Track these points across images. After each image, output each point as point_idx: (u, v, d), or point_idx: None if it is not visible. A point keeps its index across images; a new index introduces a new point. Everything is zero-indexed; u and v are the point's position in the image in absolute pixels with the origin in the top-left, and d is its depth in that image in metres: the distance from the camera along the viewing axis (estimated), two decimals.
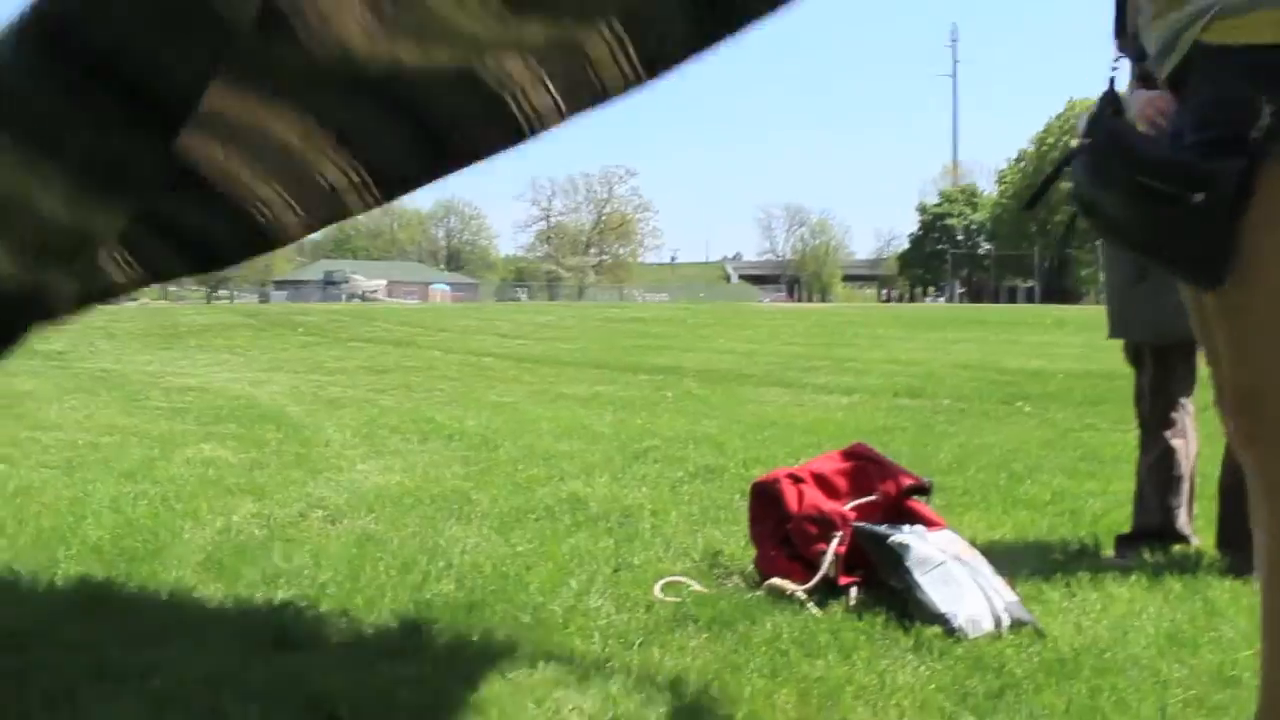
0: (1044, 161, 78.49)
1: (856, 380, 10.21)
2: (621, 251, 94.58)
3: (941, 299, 75.98)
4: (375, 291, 68.41)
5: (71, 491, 4.47)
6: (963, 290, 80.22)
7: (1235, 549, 3.32)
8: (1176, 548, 3.53)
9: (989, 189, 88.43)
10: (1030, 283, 77.13)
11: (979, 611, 2.73)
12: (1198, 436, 3.61)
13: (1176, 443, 3.55)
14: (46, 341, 15.15)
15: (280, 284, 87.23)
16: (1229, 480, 3.40)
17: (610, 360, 12.91)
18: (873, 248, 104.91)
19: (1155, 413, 3.58)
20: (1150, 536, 3.54)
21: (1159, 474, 3.57)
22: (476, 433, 6.29)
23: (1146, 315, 3.45)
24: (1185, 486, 3.56)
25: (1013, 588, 2.93)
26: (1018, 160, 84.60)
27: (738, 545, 3.47)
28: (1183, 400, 3.58)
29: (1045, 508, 4.21)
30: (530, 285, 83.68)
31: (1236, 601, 2.96)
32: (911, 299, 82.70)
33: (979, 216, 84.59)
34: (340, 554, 3.42)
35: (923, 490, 3.23)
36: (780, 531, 3.09)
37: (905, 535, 2.92)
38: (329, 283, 74.38)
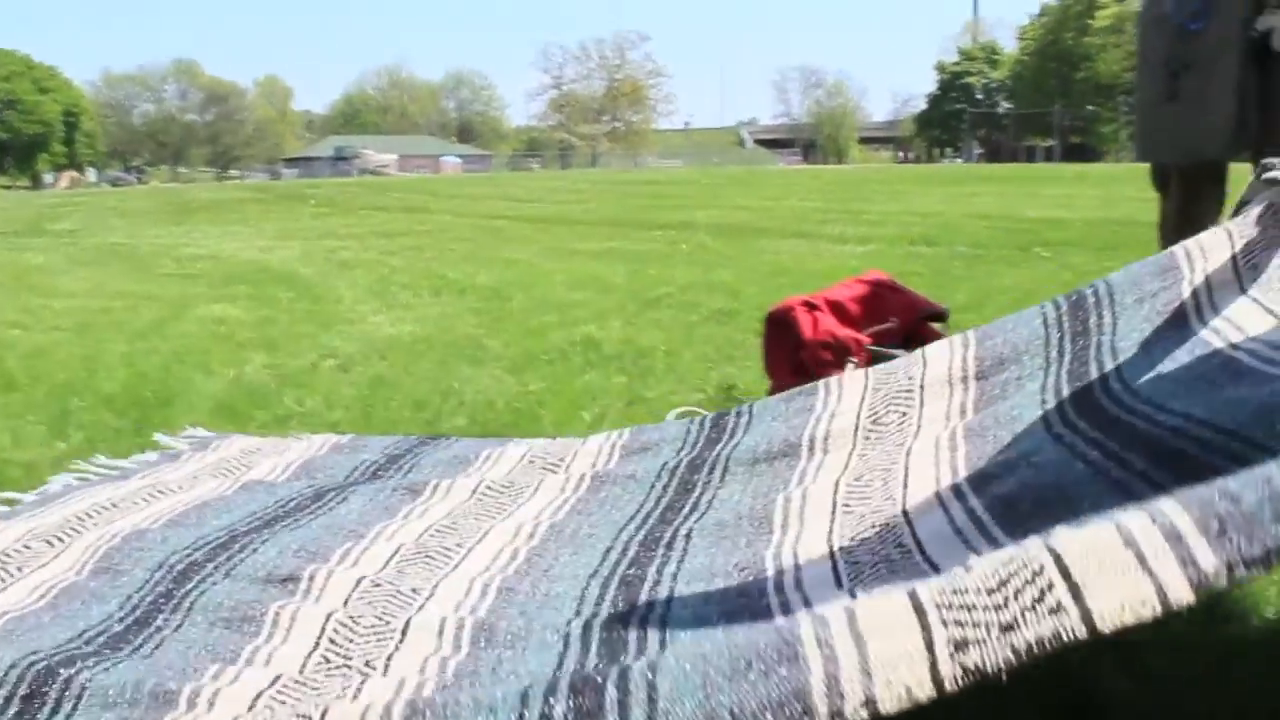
0: (1067, 14, 76.66)
1: (872, 230, 10.09)
2: (635, 118, 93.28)
3: (959, 160, 74.94)
4: (386, 166, 67.84)
5: (84, 350, 4.46)
6: (981, 151, 79.10)
7: None
8: None
9: (1010, 45, 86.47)
10: (1050, 142, 75.84)
11: None
12: None
13: None
14: (55, 221, 15.12)
15: (290, 161, 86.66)
16: None
17: (624, 218, 12.78)
18: (890, 109, 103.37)
19: (1180, 239, 3.49)
20: None
21: None
22: (489, 286, 6.24)
23: (1174, 135, 3.34)
24: None
25: None
26: (1040, 15, 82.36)
27: (753, 379, 3.44)
28: (1208, 226, 3.48)
29: None
30: (543, 155, 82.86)
31: None
32: (929, 160, 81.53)
33: (998, 75, 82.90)
34: (353, 396, 3.40)
35: (939, 316, 3.18)
36: (795, 359, 3.04)
37: None
38: (339, 159, 73.86)
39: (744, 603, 1.61)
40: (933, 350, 2.39)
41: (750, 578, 1.76)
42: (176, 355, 4.27)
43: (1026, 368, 2.19)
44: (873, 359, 2.93)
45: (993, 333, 2.37)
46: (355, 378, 3.72)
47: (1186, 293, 2.05)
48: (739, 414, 2.55)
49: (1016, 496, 1.63)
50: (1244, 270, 1.99)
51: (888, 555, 1.68)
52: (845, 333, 3.00)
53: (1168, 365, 1.77)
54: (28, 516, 2.28)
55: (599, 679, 1.14)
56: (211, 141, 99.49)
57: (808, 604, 1.53)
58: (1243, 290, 1.90)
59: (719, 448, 2.37)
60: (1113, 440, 1.63)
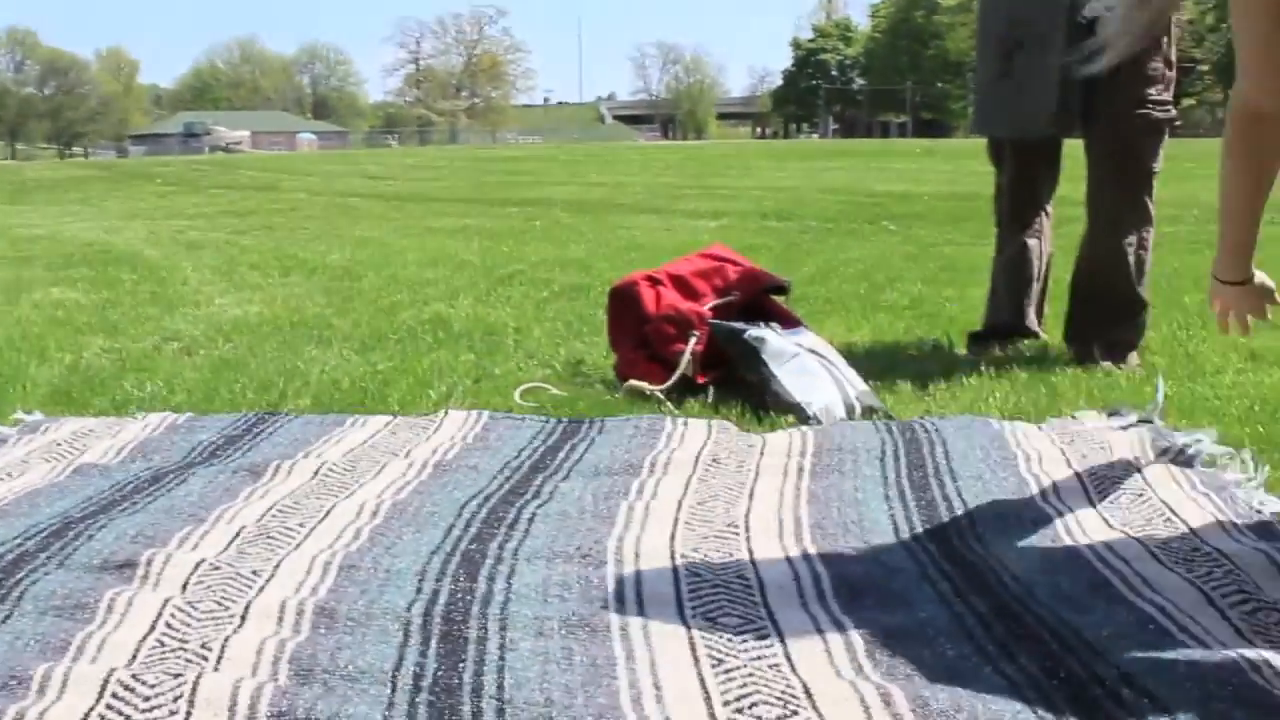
0: None
1: (725, 205, 10.22)
2: (493, 94, 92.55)
3: (815, 135, 76.12)
4: (239, 143, 65.98)
5: None
6: (836, 127, 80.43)
7: (1080, 341, 3.44)
8: (1026, 343, 3.64)
9: (863, 23, 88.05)
10: (903, 118, 77.49)
11: (832, 399, 2.79)
12: (1053, 240, 3.69)
13: (1031, 242, 3.62)
14: None
15: (137, 138, 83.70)
16: (1080, 280, 3.50)
17: (480, 195, 12.70)
18: (747, 85, 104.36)
19: (1013, 211, 3.63)
20: (1000, 332, 3.64)
21: (1011, 271, 3.65)
22: (340, 265, 6.16)
23: (1009, 111, 3.48)
24: (1036, 286, 3.65)
25: (866, 380, 3.00)
26: None
27: (600, 355, 3.48)
28: (1044, 202, 3.63)
29: (903, 312, 4.29)
30: (401, 131, 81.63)
31: (1077, 386, 3.07)
32: (786, 136, 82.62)
33: (853, 51, 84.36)
34: (195, 379, 3.34)
35: (780, 289, 3.26)
36: (639, 334, 3.09)
37: (761, 330, 2.95)
38: (189, 135, 71.62)
39: (585, 614, 1.63)
40: (773, 435, 2.60)
41: (591, 567, 1.80)
42: (9, 341, 4.12)
43: (863, 457, 2.39)
44: (714, 332, 3.00)
45: (832, 431, 2.59)
46: (199, 361, 3.65)
47: (1024, 470, 2.30)
48: (589, 425, 2.63)
49: (863, 587, 1.73)
50: (1081, 474, 2.27)
51: (728, 582, 1.75)
52: (687, 306, 3.06)
53: (1016, 533, 1.96)
54: None
55: None
56: (52, 117, 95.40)
57: (646, 632, 1.57)
58: (1087, 495, 2.15)
59: (561, 456, 2.44)
60: (960, 578, 1.77)
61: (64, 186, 17.81)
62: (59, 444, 2.65)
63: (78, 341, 4.07)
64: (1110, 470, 2.26)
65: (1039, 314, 3.69)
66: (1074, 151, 3.54)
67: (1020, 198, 3.61)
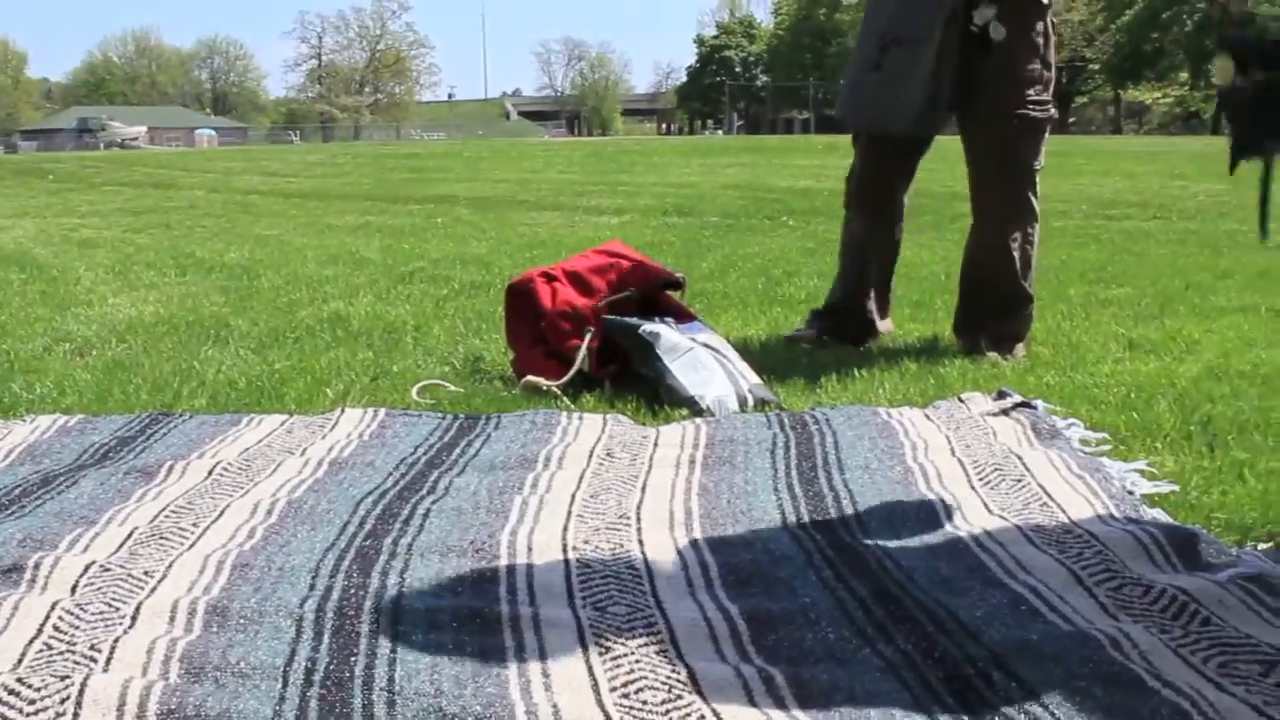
0: None
1: (628, 202, 10.28)
2: (397, 90, 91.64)
3: (720, 131, 76.55)
4: (135, 139, 64.49)
5: None
6: (741, 123, 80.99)
7: (968, 334, 3.54)
8: (919, 334, 3.75)
9: (766, 20, 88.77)
10: (806, 114, 78.20)
11: (725, 393, 2.84)
12: (903, 229, 3.78)
13: (874, 225, 3.71)
14: None
15: (28, 133, 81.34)
16: (967, 275, 3.60)
17: (382, 193, 12.59)
18: (652, 81, 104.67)
19: (861, 195, 3.72)
20: (837, 312, 3.71)
21: (853, 253, 3.74)
22: (238, 264, 6.08)
23: (872, 105, 3.57)
24: (874, 270, 3.73)
25: (760, 373, 3.06)
26: None
27: (499, 352, 3.50)
28: (896, 192, 3.71)
29: (799, 305, 4.36)
30: (303, 128, 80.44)
31: (964, 377, 3.16)
32: (691, 132, 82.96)
33: (756, 49, 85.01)
34: (87, 381, 3.29)
35: (676, 285, 3.31)
36: (535, 330, 3.12)
37: (656, 325, 2.99)
38: (84, 130, 69.86)
39: (477, 606, 1.66)
40: (667, 427, 2.65)
41: (484, 561, 1.83)
42: None
43: (754, 450, 2.45)
44: (609, 328, 3.04)
45: (724, 424, 2.65)
46: (91, 362, 3.60)
47: (910, 459, 2.37)
48: (486, 420, 2.66)
49: (749, 574, 1.79)
50: (964, 461, 2.35)
51: (618, 573, 1.79)
52: (583, 302, 3.09)
53: (899, 520, 2.03)
54: None
55: None
56: None
57: (537, 623, 1.60)
58: (969, 482, 2.23)
59: (457, 452, 2.46)
60: (844, 565, 1.83)
61: None
62: None
63: None
64: (991, 456, 2.35)
65: (881, 300, 3.77)
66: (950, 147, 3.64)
67: (871, 184, 3.70)
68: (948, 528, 1.98)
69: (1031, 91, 3.38)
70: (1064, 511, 2.03)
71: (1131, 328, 3.87)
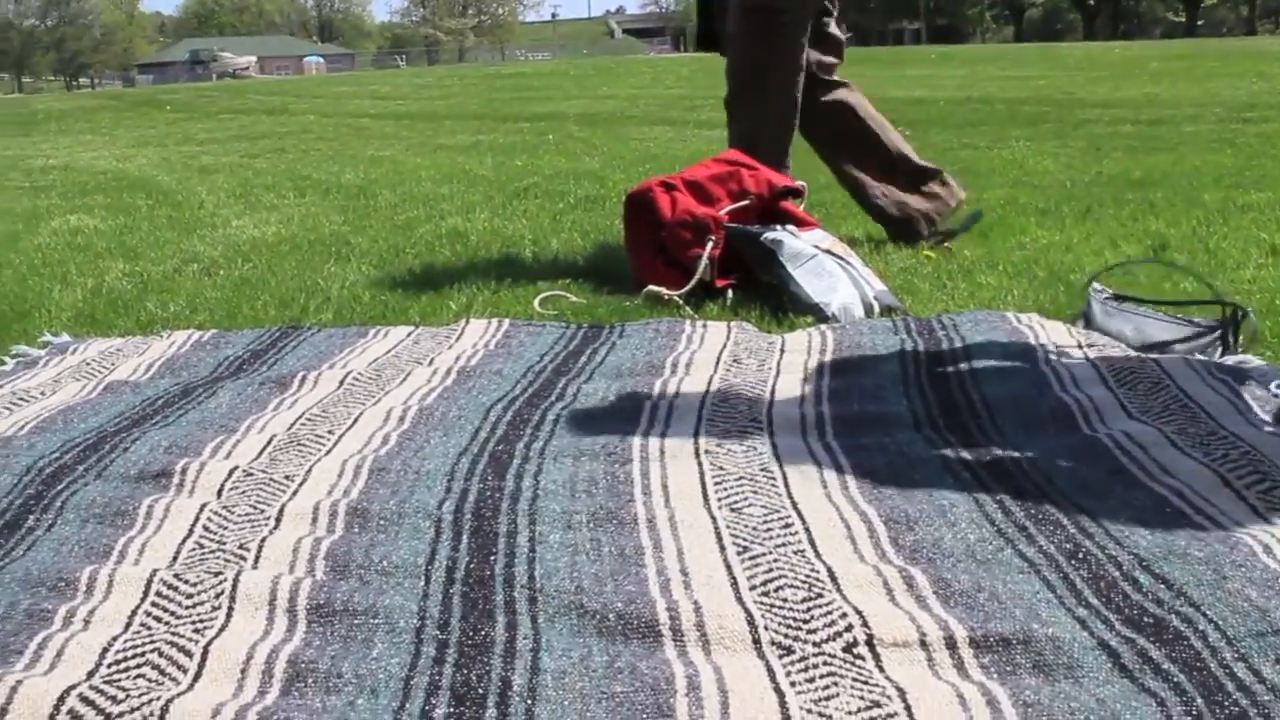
0: None
1: None
2: (501, 11, 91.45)
3: None
4: (246, 68, 65.52)
5: None
6: (849, 34, 79.21)
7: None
8: (1046, 240, 3.64)
9: None
10: (917, 24, 76.32)
11: (850, 299, 2.80)
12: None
13: None
14: None
15: (144, 67, 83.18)
16: None
17: (491, 112, 12.61)
18: None
19: None
20: None
21: None
22: (354, 184, 6.15)
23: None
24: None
25: (884, 280, 3.00)
26: None
27: (617, 263, 3.49)
28: None
29: None
30: (408, 52, 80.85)
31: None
32: None
33: None
34: (217, 299, 3.37)
35: (796, 193, 3.25)
36: (655, 239, 3.10)
37: (778, 233, 2.95)
38: (196, 62, 71.19)
39: (612, 507, 1.66)
40: (792, 334, 2.62)
41: (616, 464, 1.84)
42: (32, 268, 4.15)
43: (882, 355, 2.41)
44: (731, 236, 3.01)
45: (850, 330, 2.60)
46: (219, 281, 3.68)
47: (1042, 363, 2.30)
48: (610, 330, 2.66)
49: (885, 477, 1.76)
50: (1098, 364, 2.27)
51: (752, 475, 1.78)
52: (703, 211, 3.06)
53: (1035, 423, 1.98)
54: None
55: (481, 692, 1.22)
56: (56, 48, 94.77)
57: (673, 523, 1.60)
58: (1105, 384, 2.15)
59: (583, 360, 2.46)
60: (980, 467, 1.79)
61: (73, 117, 17.73)
62: (88, 363, 2.69)
63: (98, 266, 4.10)
64: (1127, 361, 2.28)
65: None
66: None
67: None
68: (1085, 430, 1.93)
69: None
70: (1207, 414, 1.96)
71: (1274, 233, 3.71)
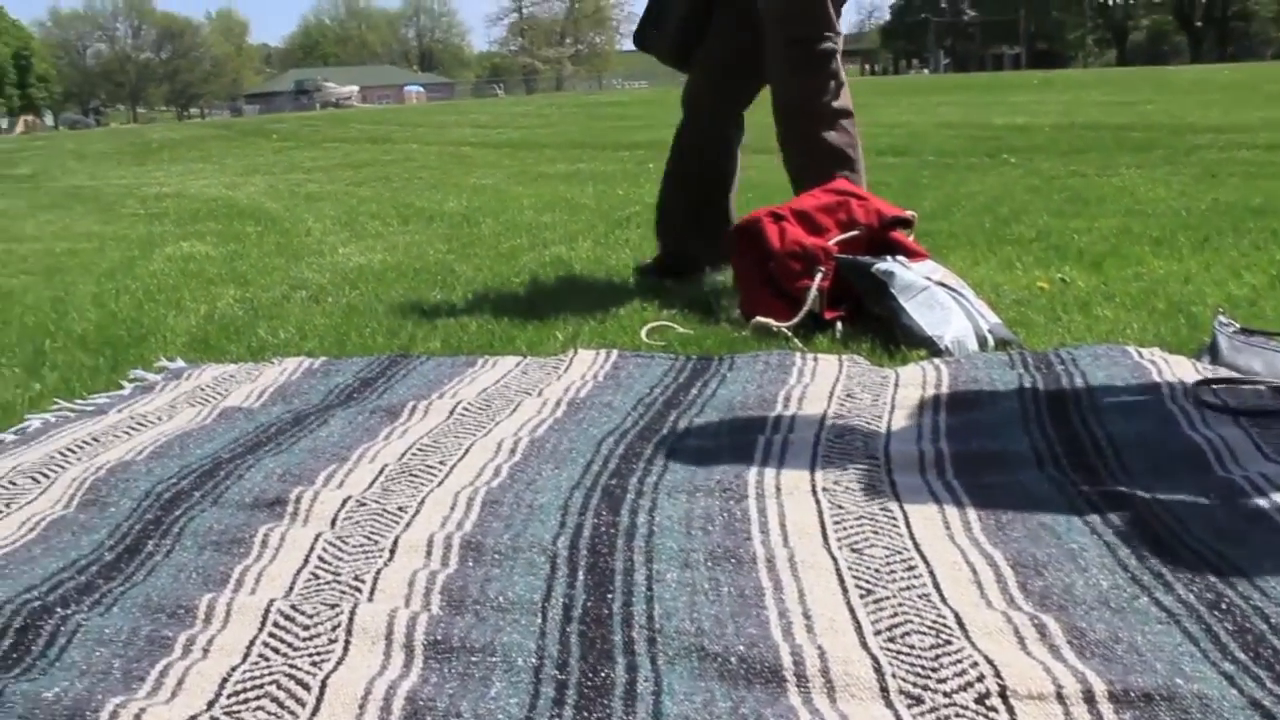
0: None
1: None
2: (597, 40, 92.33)
3: (926, 71, 74.46)
4: (349, 98, 66.95)
5: (53, 293, 4.44)
6: (947, 61, 78.62)
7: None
8: (1163, 270, 3.54)
9: None
10: (1017, 49, 75.42)
11: (964, 332, 2.73)
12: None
13: None
14: (13, 166, 14.90)
15: (251, 97, 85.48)
16: None
17: (590, 140, 12.69)
18: (853, 21, 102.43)
19: None
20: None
21: None
22: (457, 213, 6.22)
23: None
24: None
25: (997, 312, 2.93)
26: None
27: (724, 293, 3.46)
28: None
29: (1030, 244, 4.18)
30: (506, 81, 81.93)
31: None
32: (895, 72, 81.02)
33: None
34: (326, 325, 3.41)
35: (905, 223, 3.20)
36: (763, 270, 3.07)
37: (889, 264, 2.90)
38: (301, 92, 72.92)
39: (729, 545, 1.63)
40: (905, 368, 2.55)
41: (732, 500, 1.80)
42: (147, 293, 4.26)
43: (1000, 390, 2.34)
44: (841, 267, 2.96)
45: (965, 364, 2.53)
46: (328, 307, 3.72)
47: (1168, 401, 2.21)
48: (719, 362, 2.63)
49: (1009, 518, 1.70)
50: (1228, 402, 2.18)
51: (872, 514, 1.74)
52: (812, 241, 3.02)
53: (1165, 465, 1.90)
54: (9, 454, 2.30)
55: (606, 706, 1.23)
56: (169, 80, 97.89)
57: (793, 563, 1.57)
58: (1238, 424, 2.06)
59: (693, 393, 2.43)
60: (1110, 510, 1.71)
61: (185, 146, 18.23)
62: (202, 389, 2.73)
63: (210, 292, 4.19)
64: (1261, 399, 2.19)
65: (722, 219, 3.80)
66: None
67: None
68: (1219, 472, 1.85)
69: (797, 28, 3.41)
70: None
71: None
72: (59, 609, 1.54)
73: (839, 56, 3.48)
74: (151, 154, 16.38)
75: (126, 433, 2.39)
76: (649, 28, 3.74)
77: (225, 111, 77.49)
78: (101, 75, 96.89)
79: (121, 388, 2.89)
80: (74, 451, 2.27)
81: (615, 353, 2.77)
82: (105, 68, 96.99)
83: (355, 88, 71.48)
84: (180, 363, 3.05)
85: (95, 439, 2.35)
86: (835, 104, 3.43)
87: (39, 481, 2.09)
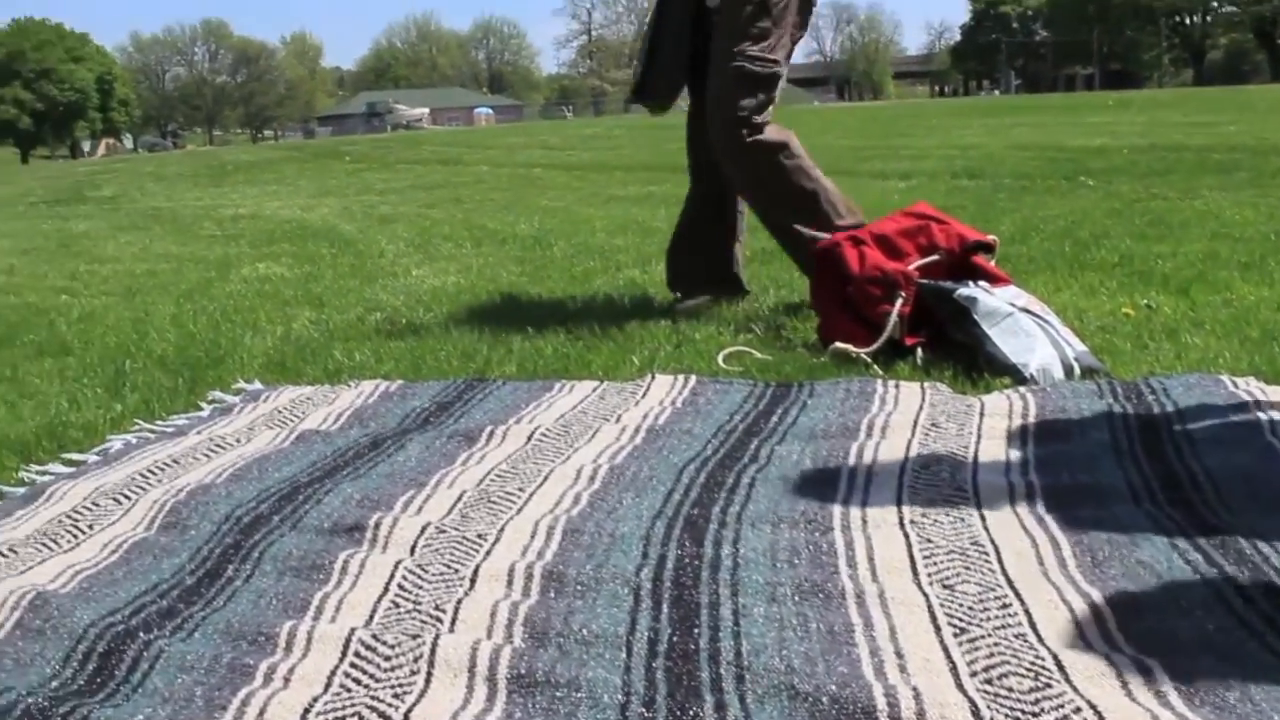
0: None
1: (913, 165, 9.96)
2: None
3: (997, 91, 73.79)
4: (419, 120, 67.78)
5: (133, 314, 4.50)
6: (1019, 82, 77.88)
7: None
8: (1253, 296, 3.44)
9: None
10: (1090, 69, 74.54)
11: (1050, 360, 2.67)
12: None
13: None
14: (95, 188, 15.23)
15: (324, 120, 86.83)
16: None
17: (661, 162, 12.67)
18: (924, 42, 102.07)
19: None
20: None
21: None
22: (529, 235, 6.23)
23: (642, 78, 3.73)
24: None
25: (1082, 339, 2.86)
26: None
27: (801, 318, 3.42)
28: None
29: (1113, 269, 4.09)
30: (575, 103, 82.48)
31: None
32: (966, 93, 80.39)
33: (1034, 2, 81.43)
34: (401, 348, 3.42)
35: (987, 247, 3.14)
36: (842, 295, 3.02)
37: (971, 290, 2.84)
38: (372, 114, 73.94)
39: (817, 579, 1.60)
40: (990, 396, 2.50)
41: (818, 532, 1.76)
42: (224, 314, 4.30)
43: (1089, 421, 2.27)
44: (922, 292, 2.91)
45: (1052, 393, 2.47)
46: (402, 330, 3.73)
47: (1269, 433, 2.13)
48: (799, 388, 2.58)
49: (1106, 556, 1.65)
50: None
51: (963, 549, 1.69)
52: (893, 266, 2.97)
53: (1266, 500, 1.82)
54: (92, 475, 2.32)
55: None
56: (244, 103, 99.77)
57: (883, 599, 1.52)
58: None
59: (774, 420, 2.39)
60: (1212, 548, 1.65)
61: (259, 168, 18.51)
62: (280, 411, 2.74)
63: (286, 313, 4.22)
64: None
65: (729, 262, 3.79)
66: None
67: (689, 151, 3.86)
68: None
69: (750, 45, 3.38)
70: None
71: None
72: (141, 633, 1.54)
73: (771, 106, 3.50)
74: (227, 176, 16.65)
75: (205, 455, 2.41)
76: (646, 77, 3.67)
77: (298, 134, 78.70)
78: (179, 98, 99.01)
79: (200, 409, 2.91)
80: (154, 473, 2.29)
81: (693, 378, 2.74)
82: (183, 91, 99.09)
83: (425, 110, 72.35)
84: (257, 384, 3.07)
85: (175, 461, 2.37)
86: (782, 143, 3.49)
87: (121, 503, 2.10)
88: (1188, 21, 76.90)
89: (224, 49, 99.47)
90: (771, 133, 3.48)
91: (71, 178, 19.68)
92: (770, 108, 3.50)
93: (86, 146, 78.29)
